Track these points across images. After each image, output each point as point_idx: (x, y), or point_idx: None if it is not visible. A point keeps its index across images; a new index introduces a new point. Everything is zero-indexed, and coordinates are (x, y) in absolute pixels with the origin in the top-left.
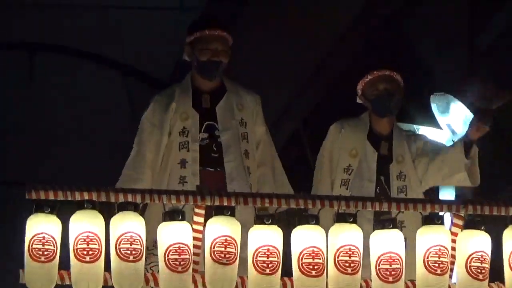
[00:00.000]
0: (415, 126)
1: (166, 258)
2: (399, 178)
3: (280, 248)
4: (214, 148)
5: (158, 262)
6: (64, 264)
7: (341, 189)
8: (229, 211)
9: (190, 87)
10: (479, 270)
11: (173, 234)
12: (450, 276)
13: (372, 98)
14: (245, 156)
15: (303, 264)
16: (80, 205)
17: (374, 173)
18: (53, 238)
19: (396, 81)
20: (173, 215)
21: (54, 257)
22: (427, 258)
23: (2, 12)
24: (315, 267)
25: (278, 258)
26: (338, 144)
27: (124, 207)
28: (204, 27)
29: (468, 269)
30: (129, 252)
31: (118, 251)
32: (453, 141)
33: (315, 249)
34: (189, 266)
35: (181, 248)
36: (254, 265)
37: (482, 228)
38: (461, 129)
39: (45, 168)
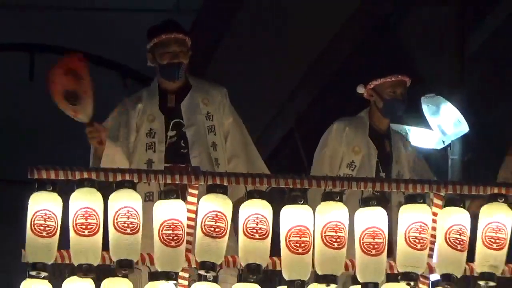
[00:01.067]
0: (407, 127)
1: (160, 234)
2: (398, 177)
3: (269, 218)
4: (182, 145)
5: None
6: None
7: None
8: (221, 190)
9: (157, 90)
10: (458, 241)
11: (167, 211)
12: (430, 256)
13: (388, 99)
14: (213, 148)
15: (291, 242)
16: (80, 184)
17: (373, 169)
18: (55, 214)
19: (407, 89)
20: (168, 194)
21: (55, 233)
22: (409, 233)
23: (3, 14)
24: (302, 245)
25: (266, 226)
26: (343, 141)
27: (122, 184)
28: (160, 32)
29: (447, 240)
30: (126, 225)
31: (116, 224)
32: (444, 143)
33: (302, 228)
34: (183, 241)
35: (174, 224)
36: (244, 232)
37: (461, 205)
38: (451, 130)
39: (44, 164)
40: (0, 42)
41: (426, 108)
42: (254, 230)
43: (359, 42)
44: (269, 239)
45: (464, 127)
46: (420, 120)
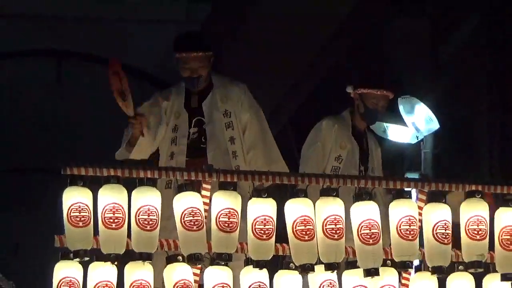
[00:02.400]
0: (385, 124)
1: (182, 221)
2: (372, 172)
3: (274, 217)
4: (203, 140)
5: None
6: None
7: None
8: (231, 186)
9: (184, 90)
10: (444, 236)
11: (186, 201)
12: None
13: (370, 108)
14: (231, 143)
15: (297, 231)
16: (106, 180)
17: (357, 163)
18: (88, 206)
19: (389, 102)
20: (185, 187)
21: (89, 222)
22: (400, 226)
23: (35, 24)
24: (307, 233)
25: (273, 226)
26: (332, 137)
27: (143, 182)
28: (181, 49)
29: (435, 235)
30: (146, 222)
31: (137, 221)
32: (417, 138)
33: (306, 218)
34: (203, 226)
35: (194, 211)
36: (253, 232)
37: (443, 201)
38: (424, 127)
39: (70, 157)
40: (32, 48)
41: (402, 108)
42: (262, 231)
43: (346, 51)
44: (273, 238)
45: (435, 124)
46: (397, 118)
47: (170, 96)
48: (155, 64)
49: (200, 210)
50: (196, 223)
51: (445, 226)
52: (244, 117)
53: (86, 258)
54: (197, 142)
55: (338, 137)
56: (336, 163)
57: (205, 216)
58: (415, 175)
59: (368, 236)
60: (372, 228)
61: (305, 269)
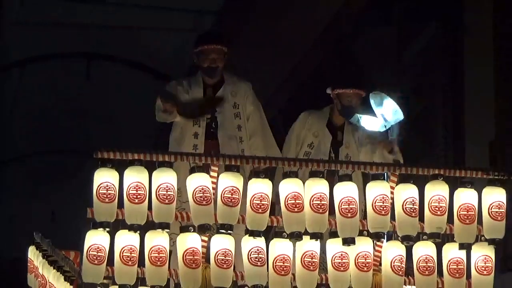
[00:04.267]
0: (359, 116)
1: (194, 197)
2: (345, 158)
3: (270, 194)
4: (213, 126)
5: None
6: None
7: (304, 158)
8: (235, 168)
9: (201, 81)
10: (412, 210)
11: (198, 180)
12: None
13: (346, 105)
14: (238, 129)
15: (288, 204)
16: (131, 163)
17: (327, 151)
18: (114, 185)
19: (362, 99)
20: (197, 169)
21: (114, 199)
22: (375, 203)
23: (69, 30)
24: (297, 206)
25: (268, 202)
26: (306, 126)
27: (162, 164)
28: (204, 42)
29: (404, 210)
30: (165, 197)
31: (158, 196)
32: (385, 126)
33: (296, 194)
34: (211, 202)
35: (204, 189)
36: (251, 206)
37: (411, 182)
38: (391, 117)
39: (101, 143)
40: (66, 51)
41: (373, 102)
42: (259, 206)
43: (327, 55)
44: (268, 211)
45: (400, 115)
46: (369, 110)
47: (187, 85)
48: (166, 65)
49: (208, 188)
50: (205, 198)
51: (413, 202)
52: (249, 109)
53: (108, 229)
54: (209, 127)
55: (312, 127)
56: (308, 149)
57: (212, 193)
58: None
59: (347, 211)
60: (350, 204)
61: (294, 236)
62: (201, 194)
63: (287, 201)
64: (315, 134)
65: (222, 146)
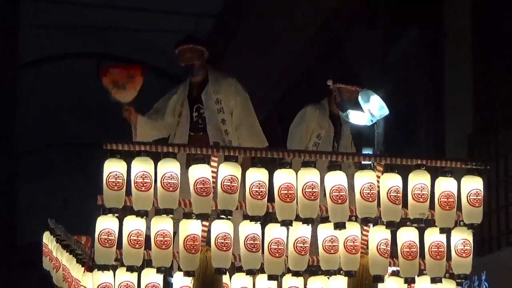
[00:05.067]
0: (348, 110)
1: (195, 188)
2: (345, 148)
3: (267, 182)
4: (200, 122)
5: None
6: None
7: (313, 148)
8: (234, 159)
9: (188, 83)
10: (396, 198)
11: (198, 172)
12: None
13: (346, 100)
14: (222, 123)
15: (281, 194)
16: (138, 154)
17: (331, 141)
18: (122, 175)
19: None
20: (198, 160)
21: (122, 187)
22: (363, 191)
23: (83, 32)
24: (289, 196)
25: (265, 189)
26: (315, 119)
27: (167, 155)
28: (179, 44)
29: (389, 197)
30: (169, 184)
31: (163, 184)
32: (372, 121)
33: (289, 184)
34: (211, 192)
35: (204, 181)
36: (250, 193)
37: (396, 171)
38: (377, 113)
39: (110, 135)
40: (79, 51)
41: (360, 98)
42: (257, 193)
43: (319, 55)
44: (265, 198)
45: (385, 111)
46: (357, 105)
47: (178, 89)
48: (169, 64)
49: (208, 179)
50: (205, 190)
51: (397, 191)
52: (230, 104)
53: (116, 215)
54: (197, 123)
55: (319, 119)
56: (317, 140)
57: (212, 182)
58: (370, 150)
59: (338, 197)
60: (340, 191)
61: (285, 224)
62: (202, 186)
63: (280, 191)
64: (322, 126)
65: (211, 138)
